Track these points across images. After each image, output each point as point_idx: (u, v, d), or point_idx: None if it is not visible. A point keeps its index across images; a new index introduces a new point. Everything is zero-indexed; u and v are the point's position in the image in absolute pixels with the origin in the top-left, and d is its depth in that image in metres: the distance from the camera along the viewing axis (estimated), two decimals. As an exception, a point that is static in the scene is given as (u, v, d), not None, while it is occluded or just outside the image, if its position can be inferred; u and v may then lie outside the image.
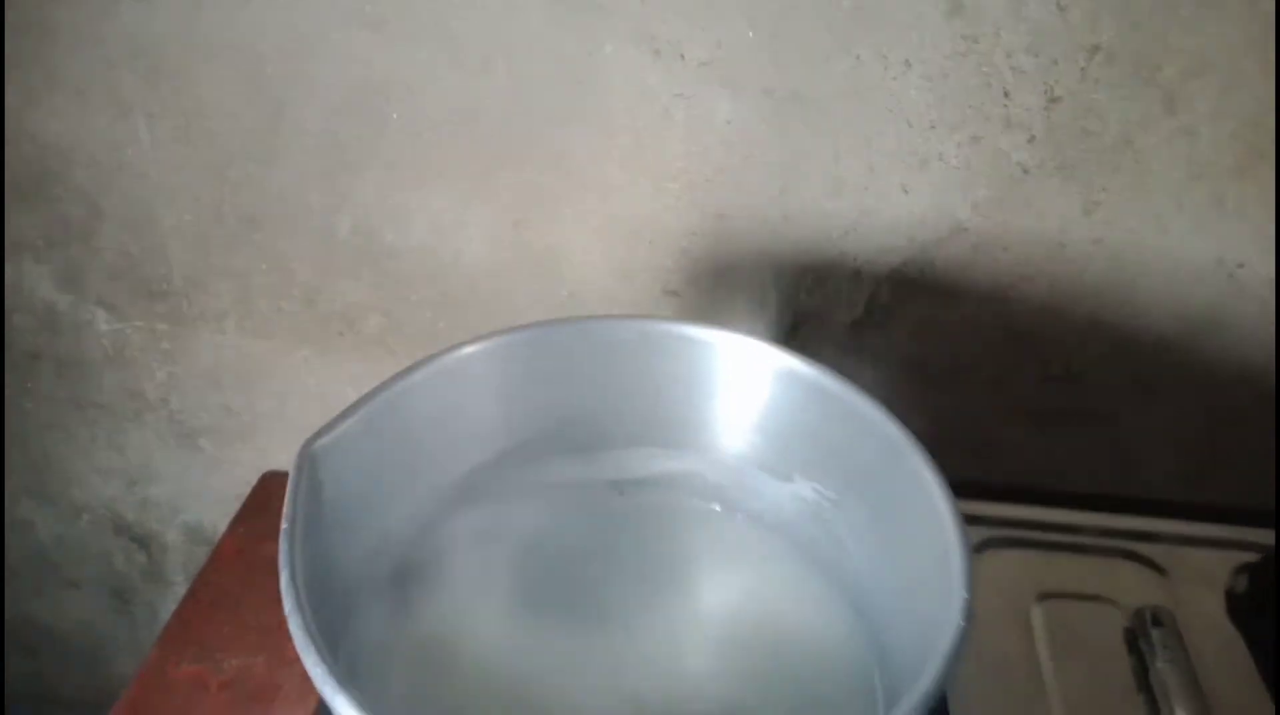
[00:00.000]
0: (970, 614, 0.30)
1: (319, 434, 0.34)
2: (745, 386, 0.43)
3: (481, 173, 0.55)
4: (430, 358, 0.39)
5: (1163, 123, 0.48)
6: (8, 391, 0.72)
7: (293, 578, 0.29)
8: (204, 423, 0.71)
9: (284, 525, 0.31)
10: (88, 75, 0.55)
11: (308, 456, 0.33)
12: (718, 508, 0.45)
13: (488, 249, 0.58)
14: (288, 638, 0.62)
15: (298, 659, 0.59)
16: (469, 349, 0.40)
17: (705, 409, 0.44)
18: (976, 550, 0.52)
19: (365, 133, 0.54)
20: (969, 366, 0.59)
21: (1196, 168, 0.49)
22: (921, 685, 0.28)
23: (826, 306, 0.58)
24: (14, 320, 0.68)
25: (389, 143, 0.54)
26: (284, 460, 0.72)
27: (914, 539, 0.35)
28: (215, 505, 0.77)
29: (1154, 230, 0.52)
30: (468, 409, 0.41)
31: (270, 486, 0.72)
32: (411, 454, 0.39)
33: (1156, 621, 0.47)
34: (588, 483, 0.44)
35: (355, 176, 0.56)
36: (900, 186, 0.52)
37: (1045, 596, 0.50)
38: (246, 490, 0.71)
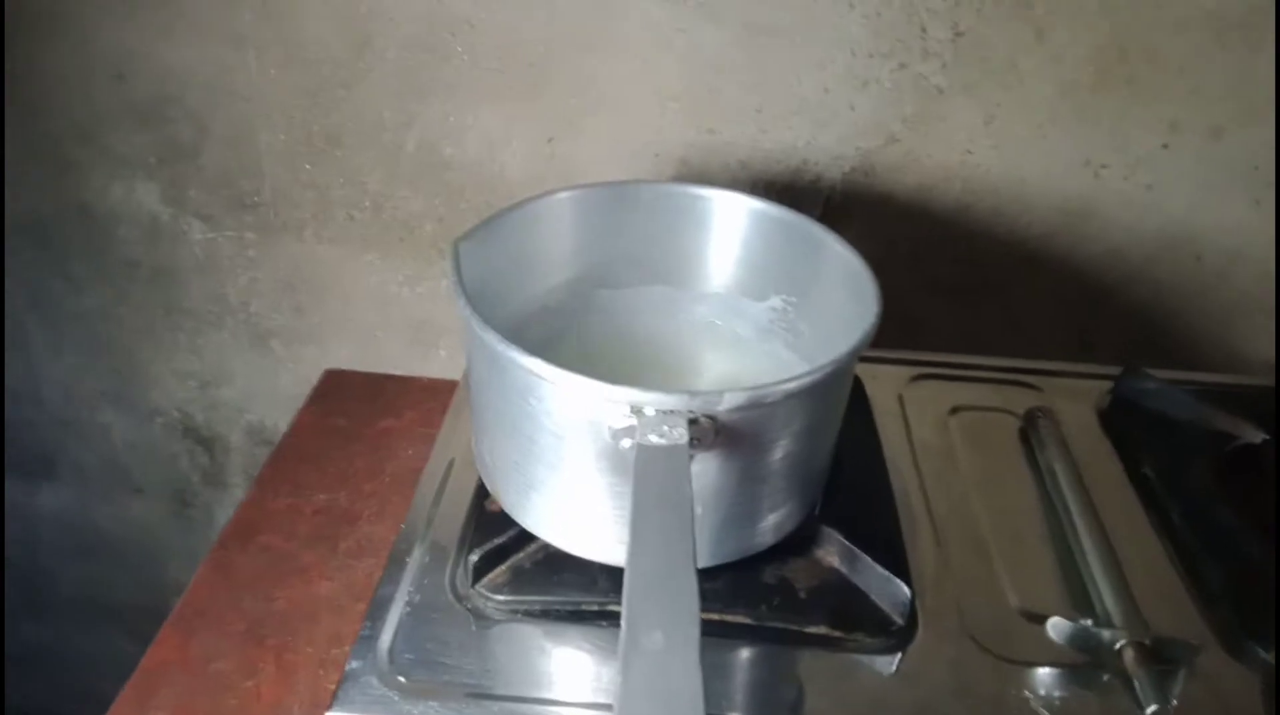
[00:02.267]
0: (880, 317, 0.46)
1: (462, 237, 0.49)
2: (732, 229, 0.59)
3: (524, 96, 0.70)
4: (529, 198, 0.55)
5: (1035, 50, 0.65)
6: (105, 301, 0.85)
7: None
8: (276, 324, 0.85)
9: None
10: (211, 13, 0.69)
11: (455, 248, 0.48)
12: (718, 323, 0.60)
13: (526, 163, 0.73)
14: (364, 479, 0.76)
15: (373, 493, 0.76)
16: (561, 194, 0.56)
17: (704, 251, 0.60)
18: (910, 381, 0.68)
19: (433, 62, 0.69)
20: (900, 254, 0.75)
21: (1063, 85, 0.66)
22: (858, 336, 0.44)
23: (794, 206, 0.74)
24: (119, 232, 0.81)
25: (452, 70, 0.69)
26: (344, 359, 0.86)
27: (845, 305, 0.51)
28: (278, 405, 0.90)
29: (1036, 137, 0.69)
30: (553, 240, 0.57)
31: (333, 381, 0.85)
32: (517, 267, 0.54)
33: (1044, 414, 0.63)
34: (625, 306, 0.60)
35: (422, 100, 0.71)
36: (848, 104, 0.69)
37: (958, 409, 0.66)
38: (307, 390, 0.83)
